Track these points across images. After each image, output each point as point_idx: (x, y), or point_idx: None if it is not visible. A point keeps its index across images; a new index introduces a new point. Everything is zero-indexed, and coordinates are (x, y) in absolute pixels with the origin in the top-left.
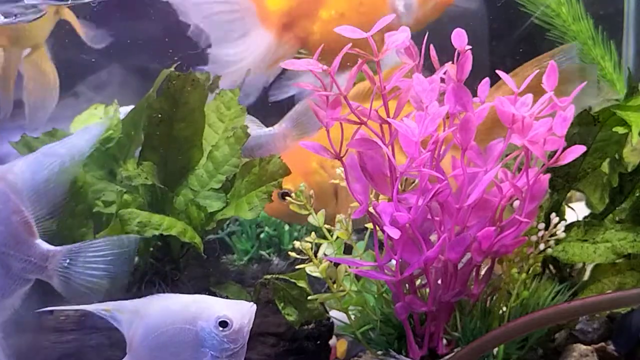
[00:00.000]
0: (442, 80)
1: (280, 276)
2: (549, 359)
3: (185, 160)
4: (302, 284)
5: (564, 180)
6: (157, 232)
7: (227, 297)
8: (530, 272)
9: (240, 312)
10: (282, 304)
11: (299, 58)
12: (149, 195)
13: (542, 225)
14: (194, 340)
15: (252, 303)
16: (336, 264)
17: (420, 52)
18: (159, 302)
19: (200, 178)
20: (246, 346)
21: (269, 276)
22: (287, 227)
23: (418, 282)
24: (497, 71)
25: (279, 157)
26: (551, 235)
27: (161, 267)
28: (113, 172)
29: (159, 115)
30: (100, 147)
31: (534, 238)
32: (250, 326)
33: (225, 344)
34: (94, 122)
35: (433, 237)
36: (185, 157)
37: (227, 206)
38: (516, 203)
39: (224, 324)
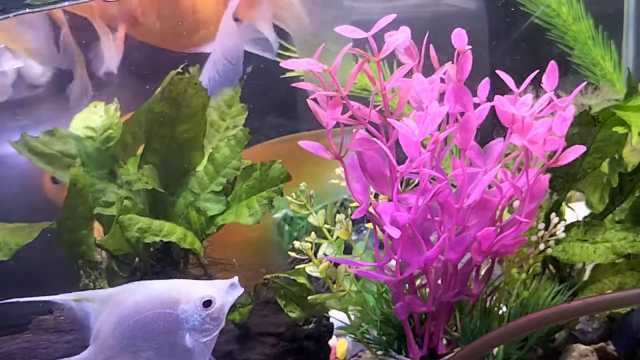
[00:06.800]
0: (442, 80)
1: (280, 274)
2: (549, 359)
3: (186, 163)
4: (301, 280)
5: (564, 180)
6: (157, 239)
7: None
8: (530, 272)
9: (220, 289)
10: (283, 302)
11: None
12: (149, 198)
13: (542, 225)
14: (174, 323)
15: (230, 280)
16: (336, 264)
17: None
18: (134, 290)
19: (201, 180)
20: (222, 325)
21: (268, 275)
22: (287, 227)
23: (418, 282)
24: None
25: (280, 163)
26: (551, 235)
27: (162, 268)
28: (114, 172)
29: (161, 119)
30: (101, 147)
31: (534, 238)
32: (231, 304)
33: (207, 323)
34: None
35: (433, 237)
36: (186, 160)
37: (228, 210)
38: (516, 203)
39: (207, 303)
